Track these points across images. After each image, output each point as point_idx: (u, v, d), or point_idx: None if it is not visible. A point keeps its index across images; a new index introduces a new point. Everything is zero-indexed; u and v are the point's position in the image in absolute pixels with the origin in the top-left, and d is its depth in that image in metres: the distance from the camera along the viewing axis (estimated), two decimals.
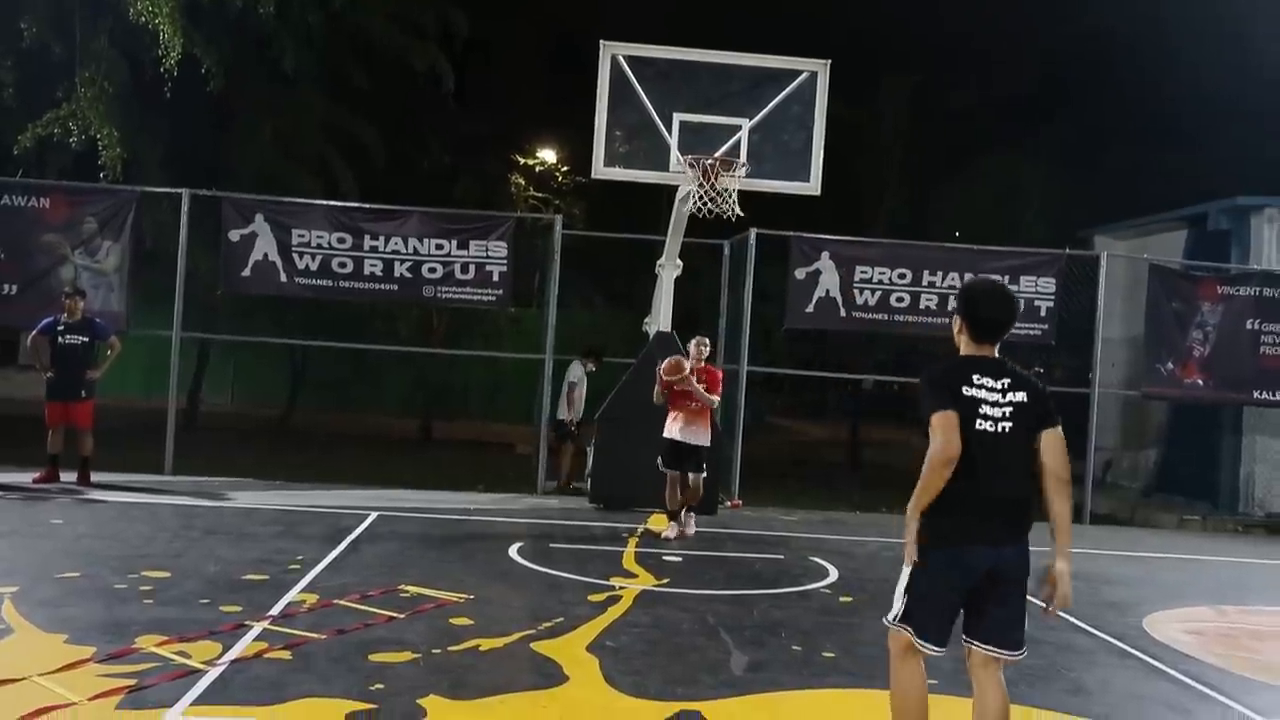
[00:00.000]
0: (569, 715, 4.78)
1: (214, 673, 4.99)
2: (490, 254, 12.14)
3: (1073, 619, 7.13)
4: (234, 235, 11.99)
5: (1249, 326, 12.89)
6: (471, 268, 12.17)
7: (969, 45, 23.92)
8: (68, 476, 10.52)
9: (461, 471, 13.25)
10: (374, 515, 9.73)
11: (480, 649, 5.67)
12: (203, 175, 13.28)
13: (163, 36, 12.55)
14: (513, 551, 8.46)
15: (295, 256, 12.03)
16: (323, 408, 19.85)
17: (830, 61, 10.84)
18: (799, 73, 10.88)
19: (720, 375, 9.87)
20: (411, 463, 14.22)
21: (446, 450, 16.52)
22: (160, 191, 12.66)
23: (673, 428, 9.50)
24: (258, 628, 5.78)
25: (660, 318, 11.46)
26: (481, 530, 9.55)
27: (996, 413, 3.89)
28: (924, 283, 12.67)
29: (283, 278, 12.06)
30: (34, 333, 10.70)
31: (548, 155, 21.57)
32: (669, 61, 10.85)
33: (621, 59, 10.75)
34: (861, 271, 12.64)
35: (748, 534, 10.18)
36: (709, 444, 9.69)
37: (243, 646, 5.42)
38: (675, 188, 10.82)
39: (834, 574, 8.37)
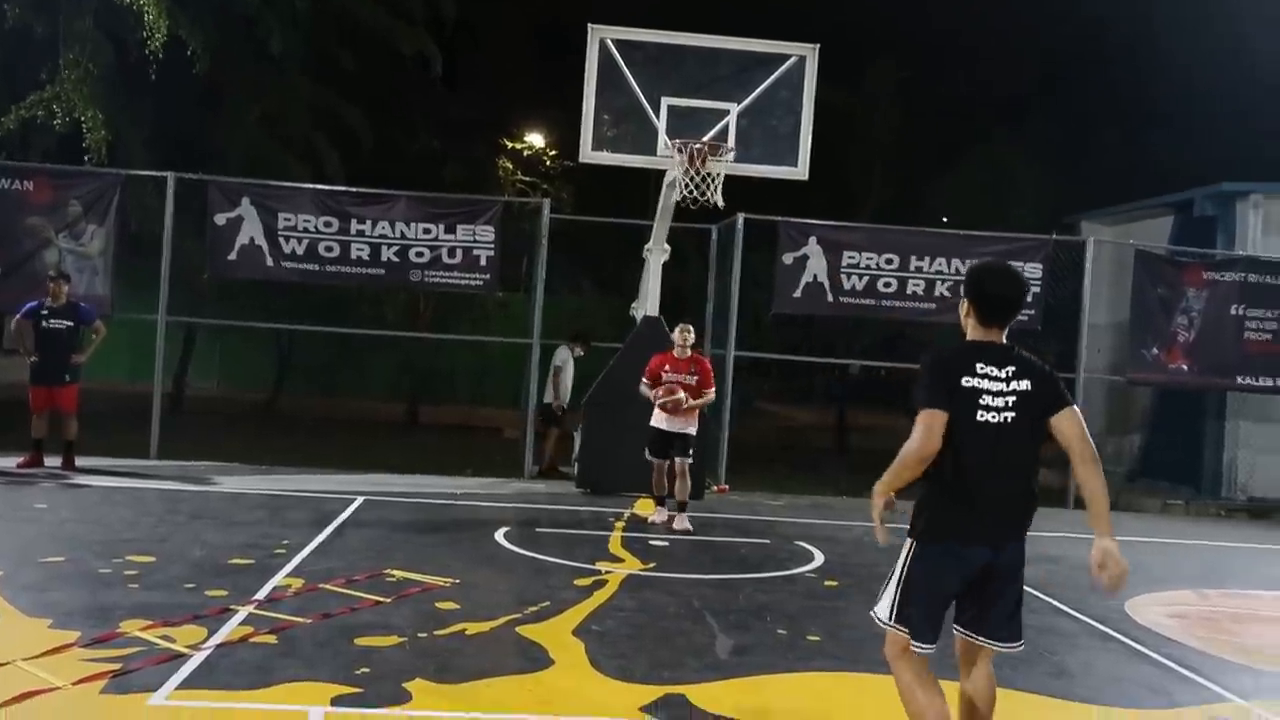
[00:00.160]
0: (554, 699, 4.80)
1: (199, 657, 4.99)
2: (478, 238, 12.10)
3: (1056, 602, 7.19)
4: (220, 219, 11.92)
5: (1233, 312, 12.94)
6: (459, 252, 12.12)
7: (957, 32, 23.94)
8: (52, 461, 10.47)
9: (448, 456, 13.24)
10: (360, 500, 9.73)
11: (466, 633, 5.69)
12: (188, 158, 13.16)
13: (148, 18, 12.44)
14: (499, 536, 8.47)
15: (282, 240, 11.97)
16: (309, 392, 19.78)
17: (819, 46, 10.82)
18: (787, 57, 10.87)
19: (710, 366, 9.79)
20: (398, 447, 14.19)
21: (433, 435, 16.49)
22: (146, 175, 12.57)
23: (659, 417, 9.49)
24: (243, 612, 5.78)
25: (648, 302, 11.46)
26: (468, 515, 9.56)
27: (999, 403, 3.78)
28: (911, 268, 12.66)
29: (269, 261, 12.00)
30: (18, 317, 10.62)
31: (535, 139, 21.52)
32: (657, 45, 10.84)
33: (610, 43, 10.73)
34: (849, 257, 12.62)
35: (734, 519, 10.21)
36: (695, 432, 9.68)
37: (228, 631, 5.42)
38: (663, 173, 10.81)
39: (820, 558, 8.41)
